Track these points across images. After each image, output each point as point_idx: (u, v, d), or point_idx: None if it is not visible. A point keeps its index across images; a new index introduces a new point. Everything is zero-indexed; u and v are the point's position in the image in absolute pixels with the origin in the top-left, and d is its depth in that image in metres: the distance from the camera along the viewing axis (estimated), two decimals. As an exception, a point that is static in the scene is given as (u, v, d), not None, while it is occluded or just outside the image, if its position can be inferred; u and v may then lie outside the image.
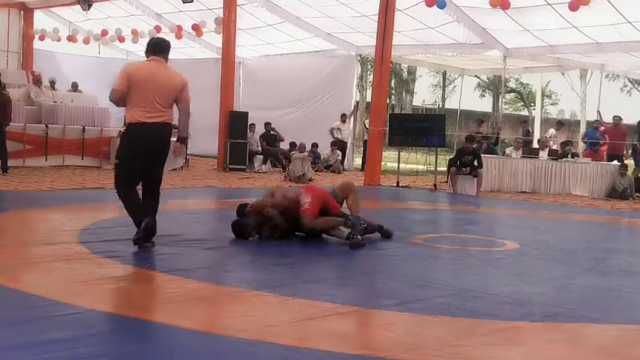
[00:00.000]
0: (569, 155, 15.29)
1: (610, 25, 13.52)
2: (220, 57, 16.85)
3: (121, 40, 20.20)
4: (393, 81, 36.15)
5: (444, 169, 15.46)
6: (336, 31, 17.64)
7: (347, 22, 16.65)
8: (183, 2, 17.25)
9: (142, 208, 6.00)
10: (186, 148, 6.31)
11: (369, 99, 20.90)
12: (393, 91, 38.58)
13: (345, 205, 7.05)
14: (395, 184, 14.36)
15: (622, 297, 5.14)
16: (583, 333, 4.11)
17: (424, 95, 42.79)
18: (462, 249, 6.98)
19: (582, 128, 23.16)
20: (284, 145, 17.72)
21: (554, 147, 16.29)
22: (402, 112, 33.49)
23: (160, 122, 6.04)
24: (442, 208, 11.89)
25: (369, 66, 30.46)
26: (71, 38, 20.54)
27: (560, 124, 20.31)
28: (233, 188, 12.46)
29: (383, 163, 16.02)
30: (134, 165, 6.02)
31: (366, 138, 17.53)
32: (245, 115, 16.56)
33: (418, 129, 14.45)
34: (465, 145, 14.01)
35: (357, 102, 21.01)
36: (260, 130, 17.55)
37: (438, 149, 15.25)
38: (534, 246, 7.38)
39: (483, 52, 16.81)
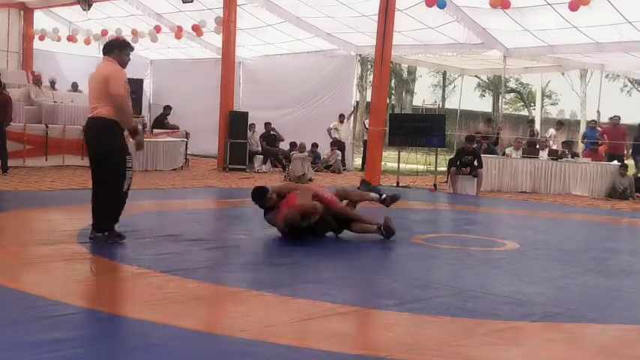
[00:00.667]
0: (570, 155, 15.28)
1: (610, 25, 13.51)
2: (220, 57, 16.85)
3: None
4: (393, 81, 36.13)
5: (444, 169, 15.45)
6: (336, 31, 17.64)
7: (347, 22, 16.64)
8: (183, 2, 17.24)
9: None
10: (140, 147, 6.21)
11: (369, 99, 20.89)
12: (393, 91, 38.57)
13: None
14: (395, 184, 14.35)
15: (622, 297, 5.14)
16: (583, 333, 4.11)
17: (424, 95, 42.82)
18: (462, 249, 6.99)
19: (582, 128, 23.17)
20: (284, 145, 17.71)
21: (554, 147, 16.29)
22: (402, 112, 33.47)
23: (90, 117, 6.12)
24: (442, 208, 11.89)
25: (369, 66, 30.45)
26: (71, 38, 20.53)
27: (560, 124, 20.30)
28: (233, 188, 12.46)
29: (383, 163, 16.01)
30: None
31: (366, 138, 17.52)
32: (245, 115, 16.56)
33: (418, 129, 14.45)
34: (465, 145, 14.01)
35: (357, 102, 21.00)
36: (260, 130, 17.55)
37: (438, 149, 15.25)
38: (534, 246, 7.38)
39: (483, 52, 16.80)
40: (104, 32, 20.19)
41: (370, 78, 27.48)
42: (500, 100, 28.93)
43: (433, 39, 16.43)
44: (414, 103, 37.39)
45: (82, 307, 4.02)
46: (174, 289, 4.57)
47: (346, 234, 7.07)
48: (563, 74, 31.78)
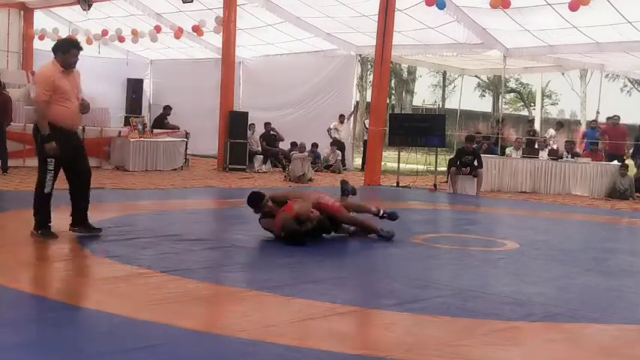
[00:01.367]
0: (570, 155, 15.27)
1: (610, 25, 13.50)
2: (220, 57, 16.84)
3: (121, 40, 20.19)
4: (393, 81, 36.12)
5: (444, 169, 15.45)
6: (336, 31, 17.63)
7: (347, 22, 16.64)
8: (183, 2, 17.22)
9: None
10: (50, 151, 6.19)
11: (369, 99, 20.89)
12: (393, 91, 38.56)
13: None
14: (395, 184, 14.36)
15: (622, 297, 5.14)
16: (583, 333, 4.12)
17: (424, 95, 42.81)
18: (462, 249, 6.99)
19: (582, 128, 23.15)
20: (284, 145, 17.71)
21: (554, 147, 16.28)
22: (402, 112, 33.47)
23: None
24: (442, 208, 11.89)
25: (369, 66, 30.45)
26: (71, 38, 20.52)
27: (559, 124, 20.31)
28: (233, 188, 12.46)
29: (383, 163, 16.01)
30: None
31: (366, 138, 17.53)
32: (245, 115, 16.56)
33: (418, 129, 14.45)
34: (465, 145, 14.01)
35: (357, 102, 21.00)
36: (260, 130, 17.55)
37: (438, 149, 15.25)
38: (534, 246, 7.38)
39: (483, 52, 16.80)
40: (104, 32, 20.20)
41: (370, 78, 27.48)
42: (500, 100, 28.92)
43: (433, 39, 16.43)
44: (414, 103, 37.39)
45: (82, 307, 4.02)
46: (174, 289, 4.57)
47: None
48: (563, 74, 31.80)
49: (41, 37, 20.64)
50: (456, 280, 5.37)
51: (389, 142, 15.82)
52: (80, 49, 6.34)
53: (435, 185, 14.04)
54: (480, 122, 31.41)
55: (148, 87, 22.67)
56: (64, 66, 6.20)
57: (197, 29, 18.58)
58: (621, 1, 12.56)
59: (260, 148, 17.10)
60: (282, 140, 17.84)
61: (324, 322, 3.99)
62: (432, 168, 15.87)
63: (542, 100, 29.49)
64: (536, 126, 21.99)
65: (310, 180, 14.37)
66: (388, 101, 27.89)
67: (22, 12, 20.56)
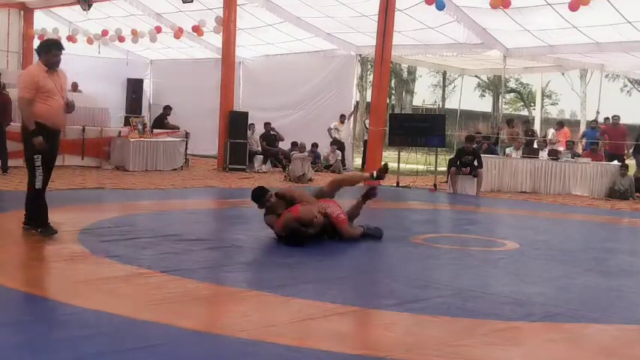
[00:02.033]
0: (570, 155, 15.27)
1: (610, 25, 13.50)
2: (220, 57, 16.84)
3: (121, 40, 20.20)
4: (393, 81, 36.10)
5: (444, 169, 15.45)
6: (336, 31, 17.63)
7: (347, 22, 16.64)
8: (183, 2, 17.22)
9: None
10: (38, 146, 6.27)
11: (369, 99, 20.87)
12: (393, 91, 38.54)
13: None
14: (395, 184, 14.36)
15: (622, 297, 5.14)
16: (583, 333, 4.12)
17: (424, 95, 42.80)
18: (462, 249, 6.99)
19: (582, 128, 23.16)
20: (284, 145, 17.70)
21: (554, 147, 16.27)
22: (402, 112, 33.46)
23: None
24: (442, 208, 11.89)
25: (369, 66, 30.43)
26: (71, 38, 20.51)
27: (560, 124, 20.31)
28: (233, 188, 12.46)
29: (383, 163, 15.99)
30: None
31: (366, 138, 17.52)
32: (245, 115, 16.56)
33: (418, 129, 14.45)
34: (465, 145, 14.00)
35: (357, 102, 20.99)
36: (260, 130, 17.55)
37: (438, 149, 15.25)
38: (534, 246, 7.38)
39: (483, 52, 16.80)
40: (104, 32, 20.20)
41: (370, 78, 27.47)
42: (500, 100, 28.93)
43: (433, 39, 16.43)
44: (414, 103, 37.38)
45: (82, 307, 4.02)
46: (174, 289, 4.57)
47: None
48: (563, 74, 31.77)
49: (41, 37, 20.59)
50: (456, 280, 5.37)
51: (389, 142, 15.82)
52: (61, 48, 6.47)
53: (435, 185, 14.04)
54: (479, 122, 31.41)
55: (148, 87, 22.67)
56: (47, 65, 6.35)
57: (197, 29, 18.58)
58: (621, 1, 12.56)
59: (260, 148, 17.10)
60: (282, 140, 17.84)
61: (324, 322, 3.98)
62: (432, 168, 15.88)
63: (542, 100, 29.47)
64: (537, 126, 22.02)
65: (310, 180, 14.36)
66: (388, 101, 27.89)
67: (22, 12, 20.56)
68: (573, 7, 12.47)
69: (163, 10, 18.51)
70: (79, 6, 18.43)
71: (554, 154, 14.99)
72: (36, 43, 20.65)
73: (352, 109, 18.80)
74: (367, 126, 16.51)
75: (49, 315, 3.93)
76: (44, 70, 6.32)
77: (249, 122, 16.56)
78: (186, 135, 16.41)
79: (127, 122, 17.20)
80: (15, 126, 13.19)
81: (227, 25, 16.32)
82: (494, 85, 40.10)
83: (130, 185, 11.65)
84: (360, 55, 18.85)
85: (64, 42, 20.08)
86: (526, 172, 14.56)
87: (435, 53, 17.64)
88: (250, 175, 15.17)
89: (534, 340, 3.89)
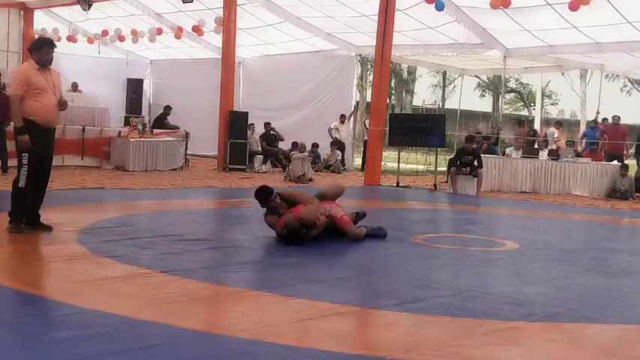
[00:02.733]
0: (570, 155, 15.27)
1: (610, 25, 13.51)
2: (220, 57, 16.84)
3: (121, 39, 20.21)
4: (393, 81, 36.10)
5: (444, 169, 15.45)
6: (336, 31, 17.63)
7: (347, 22, 16.64)
8: (183, 2, 17.22)
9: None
10: (21, 144, 6.32)
11: (369, 99, 20.88)
12: (393, 91, 38.54)
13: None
14: (395, 184, 14.35)
15: (622, 297, 5.14)
16: (583, 333, 4.11)
17: (424, 95, 42.78)
18: (462, 249, 6.98)
19: (582, 128, 23.18)
20: (285, 145, 17.70)
21: (554, 147, 16.27)
22: (402, 112, 33.46)
23: None
24: (442, 208, 11.88)
25: (369, 66, 30.43)
26: (71, 38, 20.52)
27: (558, 124, 20.33)
28: (233, 188, 12.46)
29: (383, 163, 16.01)
30: None
31: (366, 138, 17.52)
32: (245, 115, 16.56)
33: (418, 129, 14.44)
34: (465, 145, 14.00)
35: (357, 102, 20.99)
36: (260, 129, 17.55)
37: (438, 149, 15.24)
38: (534, 246, 7.38)
39: (483, 52, 16.80)
40: (104, 32, 20.20)
41: (370, 78, 27.45)
42: (500, 100, 28.91)
43: (433, 39, 16.43)
44: (414, 103, 37.38)
45: (82, 307, 4.02)
46: (174, 289, 4.56)
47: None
48: (563, 74, 31.78)
49: (40, 38, 20.63)
50: (456, 280, 5.37)
51: (389, 142, 15.82)
52: (53, 46, 6.51)
53: (434, 185, 14.03)
54: (479, 122, 31.39)
55: (148, 87, 22.67)
56: (39, 64, 6.40)
57: (197, 29, 18.58)
58: (621, 1, 12.56)
59: (260, 148, 17.10)
60: (282, 140, 17.84)
61: (324, 322, 3.98)
62: (432, 168, 15.87)
63: (542, 100, 29.47)
64: (537, 126, 22.01)
65: (310, 180, 14.37)
66: (388, 101, 27.89)
67: (22, 12, 20.55)
68: (573, 7, 12.47)
69: (163, 10, 18.51)
70: (79, 6, 18.42)
71: (554, 154, 14.99)
72: (36, 43, 20.74)
73: (352, 109, 18.80)
74: (367, 126, 16.52)
75: (48, 315, 3.93)
76: (36, 68, 6.37)
77: (249, 122, 16.57)
78: (186, 135, 16.41)
79: (127, 122, 17.20)
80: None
81: (227, 25, 16.32)
82: (494, 85, 40.10)
83: (130, 185, 11.65)
84: (360, 55, 18.85)
85: (64, 42, 20.35)
86: (526, 172, 14.55)
87: (435, 53, 17.63)
88: (250, 175, 15.17)
89: (534, 340, 3.89)
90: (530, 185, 14.55)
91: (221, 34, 16.75)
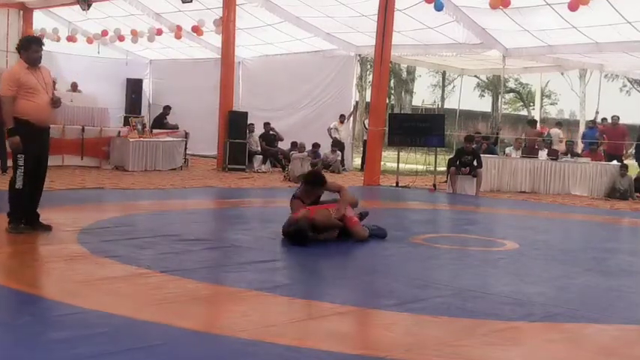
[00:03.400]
0: (569, 155, 15.27)
1: (609, 25, 13.51)
2: (220, 57, 16.84)
3: (121, 39, 20.20)
4: (392, 81, 36.09)
5: (444, 169, 15.45)
6: (336, 31, 17.63)
7: (346, 22, 16.64)
8: (183, 2, 17.21)
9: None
10: (12, 145, 6.33)
11: (368, 99, 20.88)
12: (393, 91, 38.52)
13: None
14: (394, 184, 14.35)
15: (622, 297, 5.14)
16: (583, 333, 4.11)
17: (423, 95, 42.76)
18: (462, 249, 6.98)
19: (582, 128, 23.18)
20: (284, 145, 17.70)
21: (562, 147, 16.22)
22: (402, 112, 33.46)
23: None
24: (442, 208, 11.88)
25: (369, 66, 30.41)
26: (71, 38, 20.50)
27: (558, 124, 20.35)
28: (232, 188, 12.46)
29: (382, 163, 16.00)
30: None
31: (365, 138, 17.51)
32: (244, 115, 16.56)
33: (417, 129, 14.44)
34: (464, 145, 14.00)
35: (357, 102, 20.99)
36: (259, 129, 17.54)
37: (438, 149, 15.25)
38: (534, 246, 7.38)
39: (483, 52, 16.80)
40: (104, 32, 20.19)
41: (370, 78, 27.43)
42: (499, 100, 28.93)
43: (432, 39, 16.43)
44: (413, 103, 37.38)
45: (82, 307, 4.02)
46: (174, 289, 4.56)
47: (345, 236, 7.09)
48: (562, 74, 31.74)
49: (40, 37, 20.61)
50: (456, 280, 5.37)
51: (388, 142, 15.82)
52: (41, 44, 6.50)
53: (434, 185, 14.04)
54: (479, 122, 31.39)
55: (147, 87, 22.66)
56: (28, 62, 6.37)
57: (196, 29, 18.58)
58: (621, 1, 12.56)
59: (259, 148, 17.10)
60: (282, 140, 17.83)
61: (324, 322, 3.98)
62: (432, 168, 15.87)
63: (542, 100, 29.48)
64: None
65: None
66: (387, 101, 27.84)
67: (21, 12, 20.53)
68: (573, 7, 12.47)
69: (163, 9, 18.50)
70: (78, 6, 18.41)
71: (553, 154, 15.00)
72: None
73: (352, 109, 18.80)
74: (367, 126, 16.52)
75: (48, 315, 3.92)
76: (26, 68, 6.33)
77: (249, 122, 16.56)
78: (186, 135, 16.41)
79: (126, 122, 17.20)
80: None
81: (226, 24, 16.32)
82: (494, 85, 40.09)
83: (130, 185, 11.64)
84: (359, 55, 18.85)
85: (64, 42, 20.35)
86: (525, 172, 14.56)
87: (434, 53, 17.64)
88: (250, 175, 15.17)
89: (534, 340, 3.89)
90: (530, 185, 14.55)
91: (220, 34, 16.74)
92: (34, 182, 6.47)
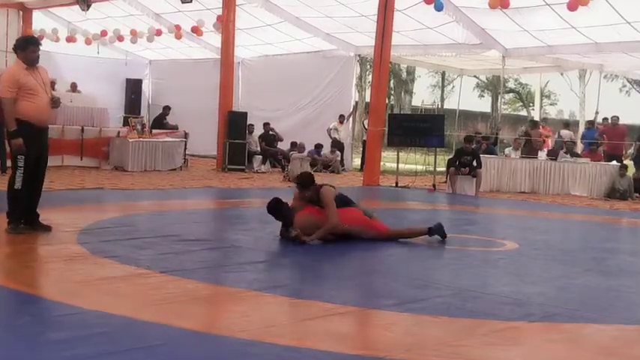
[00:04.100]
0: (569, 155, 15.27)
1: (609, 26, 13.51)
2: (219, 57, 16.84)
3: (120, 40, 20.20)
4: (392, 81, 36.10)
5: (443, 169, 15.45)
6: (336, 31, 17.63)
7: (346, 22, 16.64)
8: (182, 2, 17.22)
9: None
10: (11, 146, 6.35)
11: (368, 99, 20.88)
12: (392, 92, 38.53)
13: None
14: (394, 185, 14.35)
15: (622, 297, 5.14)
16: (582, 333, 4.11)
17: (423, 95, 42.80)
18: (462, 249, 6.98)
19: (581, 128, 23.18)
20: (284, 145, 17.70)
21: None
22: (401, 113, 33.46)
23: None
24: (441, 209, 11.87)
25: (368, 66, 30.40)
26: (70, 38, 20.51)
27: (567, 125, 20.39)
28: (232, 188, 12.45)
29: (382, 163, 16.01)
30: None
31: (365, 138, 17.51)
32: (244, 115, 16.55)
33: (417, 129, 14.45)
34: (464, 145, 14.00)
35: (356, 102, 20.99)
36: (259, 130, 17.54)
37: (437, 149, 15.25)
38: (534, 246, 7.38)
39: (482, 53, 16.81)
40: (103, 32, 20.19)
41: (369, 78, 27.44)
42: (499, 100, 28.94)
43: (432, 39, 16.44)
44: (412, 104, 37.38)
45: (82, 307, 4.01)
46: (174, 290, 4.56)
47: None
48: (562, 74, 31.73)
49: (40, 38, 20.59)
50: (455, 280, 5.37)
51: (388, 143, 15.81)
52: (38, 44, 6.43)
53: (434, 185, 14.04)
54: (478, 122, 31.38)
55: (146, 87, 22.67)
56: (26, 63, 6.32)
57: (196, 29, 18.58)
58: (620, 2, 12.57)
59: (259, 149, 17.10)
60: (281, 140, 17.84)
61: (324, 322, 3.98)
62: (431, 168, 15.87)
63: (541, 100, 29.49)
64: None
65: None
66: (387, 101, 27.84)
67: (20, 12, 20.53)
68: (572, 8, 12.48)
69: (162, 10, 18.51)
70: (77, 6, 18.42)
71: (553, 154, 15.00)
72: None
73: (351, 109, 18.80)
74: (366, 126, 16.51)
75: (47, 315, 3.92)
76: (24, 68, 6.29)
77: (248, 122, 16.56)
78: (185, 135, 16.41)
79: (125, 122, 17.20)
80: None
81: (226, 25, 16.32)
82: (493, 86, 40.10)
83: (129, 185, 11.64)
84: (359, 56, 18.86)
85: (63, 42, 20.35)
86: (525, 172, 14.56)
87: (434, 53, 17.65)
88: (249, 176, 15.17)
89: (534, 340, 3.89)
90: (530, 185, 14.55)
91: (220, 34, 16.74)
92: (33, 183, 6.47)
